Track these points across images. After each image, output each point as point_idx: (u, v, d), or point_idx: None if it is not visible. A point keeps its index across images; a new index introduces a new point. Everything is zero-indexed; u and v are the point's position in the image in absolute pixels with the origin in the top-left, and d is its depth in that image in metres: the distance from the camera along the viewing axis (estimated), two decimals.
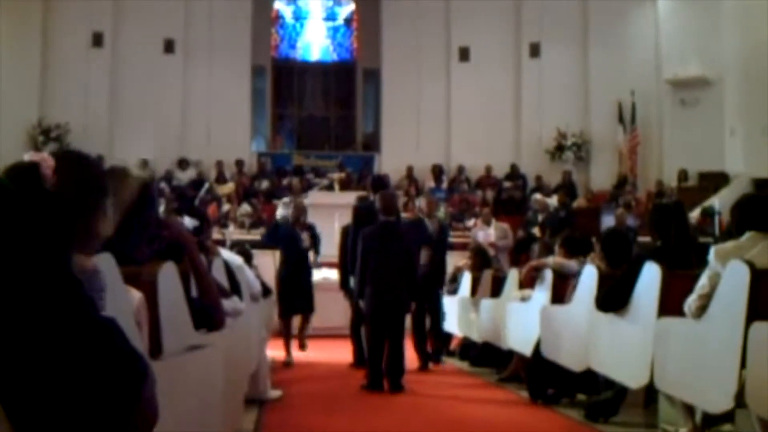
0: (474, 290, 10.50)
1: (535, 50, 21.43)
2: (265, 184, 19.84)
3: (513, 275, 8.90)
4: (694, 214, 14.76)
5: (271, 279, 12.10)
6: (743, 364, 4.25)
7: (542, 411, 6.72)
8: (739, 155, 17.81)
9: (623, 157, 20.20)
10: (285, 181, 19.73)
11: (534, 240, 11.46)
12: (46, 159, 1.73)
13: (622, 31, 20.55)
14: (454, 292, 11.39)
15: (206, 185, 18.71)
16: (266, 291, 9.66)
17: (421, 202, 11.64)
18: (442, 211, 17.76)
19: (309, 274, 10.48)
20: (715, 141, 18.29)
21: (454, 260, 11.76)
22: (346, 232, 9.72)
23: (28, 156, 1.77)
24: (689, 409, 5.08)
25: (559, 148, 20.86)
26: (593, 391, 6.40)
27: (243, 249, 8.96)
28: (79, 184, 1.81)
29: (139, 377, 1.04)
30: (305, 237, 10.32)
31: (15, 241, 0.98)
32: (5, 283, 0.95)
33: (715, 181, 17.58)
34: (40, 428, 0.96)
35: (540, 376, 7.07)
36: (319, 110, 24.05)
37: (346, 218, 10.27)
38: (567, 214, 16.45)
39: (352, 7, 24.02)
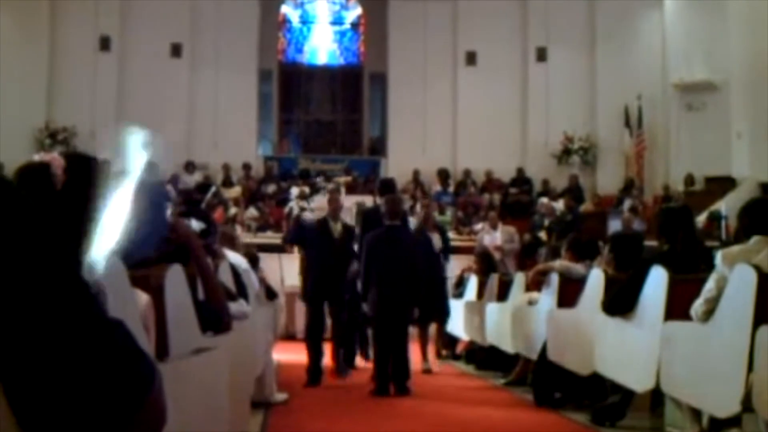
0: (480, 294, 10.50)
1: (541, 54, 21.43)
2: (271, 188, 19.85)
3: (519, 279, 8.90)
4: (701, 219, 14.73)
5: (277, 282, 12.12)
6: (750, 368, 4.24)
7: (548, 414, 6.71)
8: (746, 159, 17.77)
9: (630, 161, 20.18)
10: (292, 185, 19.72)
11: (540, 244, 11.48)
12: (56, 159, 1.74)
13: (628, 36, 20.54)
14: (460, 295, 11.39)
15: (213, 189, 18.72)
16: (272, 294, 9.66)
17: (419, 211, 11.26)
18: (448, 215, 17.78)
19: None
20: (721, 145, 18.26)
21: (460, 264, 11.74)
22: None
23: (38, 156, 1.78)
24: (696, 413, 5.07)
25: (566, 152, 20.86)
26: (600, 396, 6.39)
27: (250, 252, 8.96)
28: (90, 185, 1.82)
29: (147, 378, 1.05)
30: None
31: (23, 241, 0.98)
32: (12, 283, 0.96)
33: (722, 185, 17.54)
34: (47, 427, 0.97)
35: (546, 380, 7.07)
36: (326, 114, 24.07)
37: (351, 222, 10.24)
38: (573, 218, 16.44)
39: (359, 11, 24.04)
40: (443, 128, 21.52)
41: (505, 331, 8.80)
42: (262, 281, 8.85)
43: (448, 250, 10.23)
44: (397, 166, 20.91)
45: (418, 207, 11.07)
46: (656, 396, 5.80)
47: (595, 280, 6.47)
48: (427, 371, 9.58)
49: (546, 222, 16.60)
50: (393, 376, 7.89)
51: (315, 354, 8.73)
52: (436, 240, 9.76)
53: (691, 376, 4.95)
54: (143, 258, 2.38)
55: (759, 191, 15.56)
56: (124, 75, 20.65)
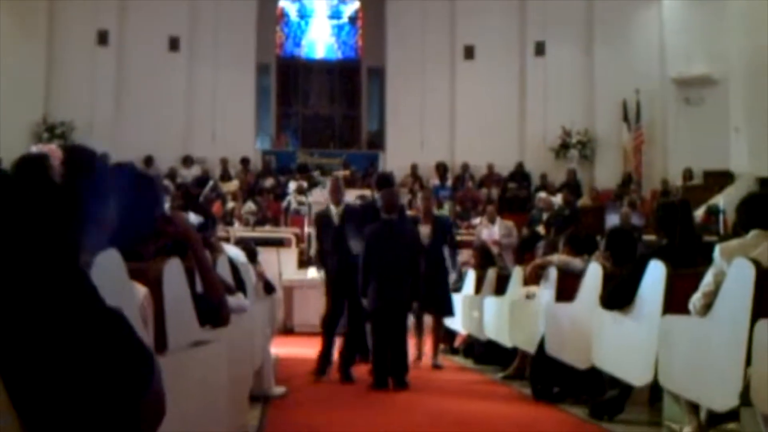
0: (478, 288, 10.50)
1: (540, 49, 21.42)
2: (269, 182, 19.86)
3: (517, 273, 8.90)
4: (699, 213, 14.74)
5: (275, 276, 12.10)
6: (748, 362, 4.24)
7: (546, 408, 6.71)
8: (744, 154, 17.78)
9: (628, 155, 20.20)
10: (290, 180, 19.73)
11: (539, 238, 11.46)
12: (54, 151, 1.74)
13: (626, 30, 20.54)
14: (458, 290, 11.38)
15: (211, 183, 18.72)
16: (270, 288, 9.65)
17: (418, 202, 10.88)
18: (446, 209, 17.78)
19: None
20: (720, 139, 18.26)
21: (459, 258, 11.71)
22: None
23: (36, 148, 1.77)
24: (694, 408, 5.07)
25: (564, 147, 20.86)
26: (598, 390, 6.40)
27: (247, 246, 8.96)
28: (87, 177, 1.82)
29: (148, 367, 1.05)
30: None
31: (22, 232, 0.98)
32: (11, 274, 0.95)
33: (720, 179, 17.55)
34: (48, 419, 0.97)
35: (544, 374, 7.07)
36: (324, 108, 24.07)
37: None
38: (571, 212, 16.44)
39: (356, 5, 24.02)
40: (441, 122, 21.53)
41: (503, 326, 8.81)
42: (260, 275, 8.85)
43: (454, 244, 10.07)
44: (395, 161, 20.93)
45: (418, 199, 10.83)
46: (655, 390, 5.81)
47: (594, 274, 6.47)
48: (437, 366, 9.56)
49: (544, 216, 16.60)
50: (391, 370, 7.89)
51: (327, 344, 8.64)
52: (427, 232, 9.55)
53: (689, 370, 4.95)
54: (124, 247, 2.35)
55: (757, 186, 15.56)
56: (122, 69, 20.63)
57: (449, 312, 9.92)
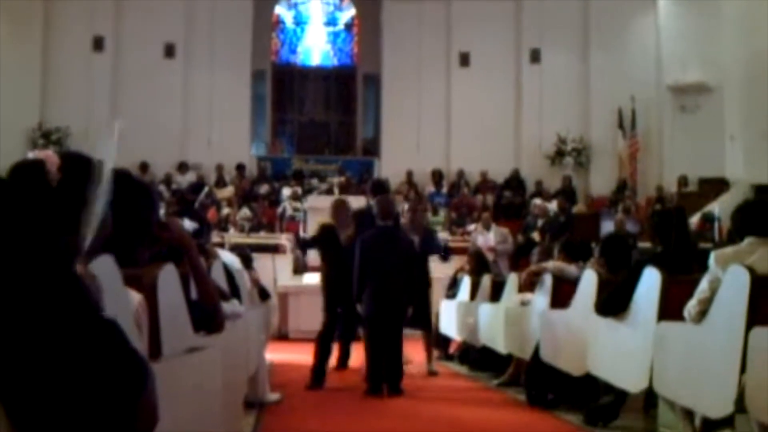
0: (473, 294, 10.49)
1: (535, 56, 21.45)
2: (264, 189, 19.85)
3: (512, 279, 8.90)
4: (694, 220, 14.76)
5: (270, 282, 12.08)
6: (743, 369, 4.24)
7: (541, 415, 6.71)
8: (740, 161, 17.81)
9: (623, 162, 20.22)
10: (284, 186, 19.73)
11: (534, 245, 11.47)
12: (51, 156, 1.73)
13: (622, 37, 20.59)
14: (453, 296, 11.38)
15: (206, 189, 18.72)
16: (265, 294, 9.63)
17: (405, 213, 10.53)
18: (441, 216, 17.80)
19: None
20: (715, 147, 18.30)
21: (453, 264, 11.72)
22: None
23: (33, 154, 1.77)
24: (689, 414, 5.07)
25: (559, 154, 20.89)
26: (592, 396, 6.39)
27: (243, 252, 8.95)
28: (85, 184, 1.81)
29: (140, 377, 1.04)
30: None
31: (18, 237, 0.98)
32: (7, 279, 0.95)
33: (716, 186, 17.58)
34: (39, 426, 0.96)
35: (539, 381, 7.07)
36: (320, 115, 24.08)
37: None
38: (566, 219, 16.45)
39: (352, 12, 24.05)
40: (437, 129, 21.53)
41: (498, 332, 8.80)
42: (255, 281, 8.84)
43: (441, 252, 9.98)
44: (390, 167, 20.91)
45: (404, 208, 10.67)
46: (650, 397, 5.81)
47: (589, 281, 6.47)
48: (432, 373, 9.53)
49: (539, 223, 16.61)
50: (386, 377, 7.88)
51: (323, 356, 8.50)
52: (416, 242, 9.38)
53: (684, 376, 4.95)
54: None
55: (752, 193, 15.58)
56: (117, 75, 20.62)
57: (428, 325, 9.84)
